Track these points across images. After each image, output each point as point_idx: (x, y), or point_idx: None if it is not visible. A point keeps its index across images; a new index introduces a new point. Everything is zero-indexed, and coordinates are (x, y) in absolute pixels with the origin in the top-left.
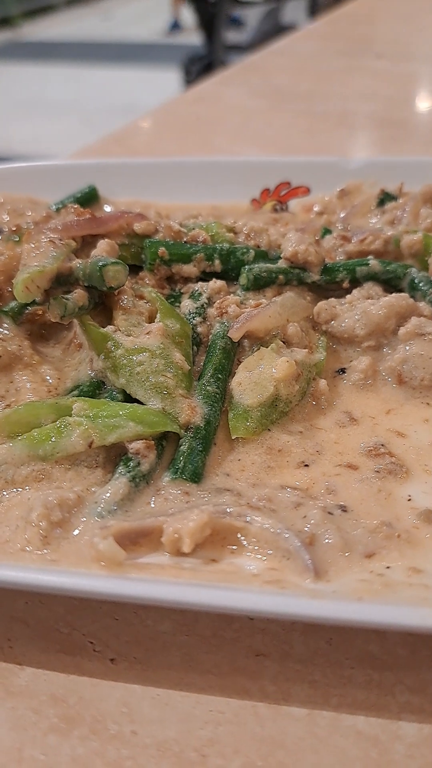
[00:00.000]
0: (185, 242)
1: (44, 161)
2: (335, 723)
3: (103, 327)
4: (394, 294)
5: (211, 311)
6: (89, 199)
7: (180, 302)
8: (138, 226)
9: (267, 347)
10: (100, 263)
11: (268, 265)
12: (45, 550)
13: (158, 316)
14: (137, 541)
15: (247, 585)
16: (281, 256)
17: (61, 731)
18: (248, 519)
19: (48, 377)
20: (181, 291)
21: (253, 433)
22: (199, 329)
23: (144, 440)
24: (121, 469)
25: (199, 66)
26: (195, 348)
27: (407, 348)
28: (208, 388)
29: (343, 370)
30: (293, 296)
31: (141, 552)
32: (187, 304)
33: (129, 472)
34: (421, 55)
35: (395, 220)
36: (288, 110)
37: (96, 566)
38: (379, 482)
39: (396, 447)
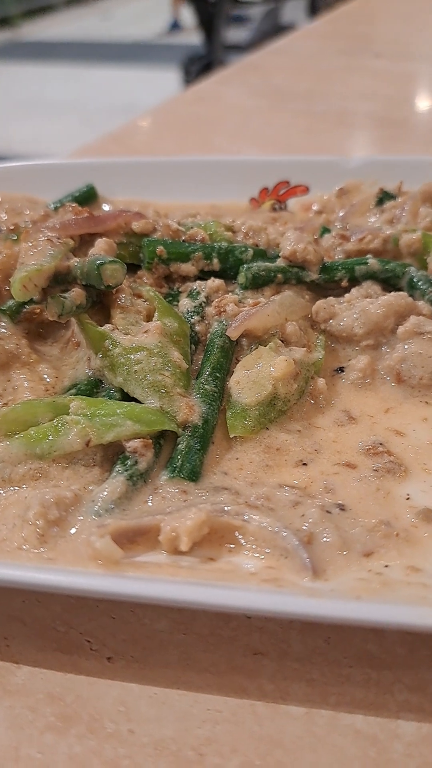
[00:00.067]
0: (183, 241)
1: (43, 160)
2: (333, 722)
3: (101, 326)
4: (392, 293)
5: (210, 310)
6: (87, 198)
7: (178, 301)
8: (136, 225)
9: (265, 346)
10: (98, 262)
11: (267, 263)
12: (42, 549)
13: (156, 314)
14: (134, 539)
15: (244, 583)
16: (280, 254)
17: (58, 730)
18: (246, 517)
19: (45, 376)
20: (180, 290)
21: (251, 431)
22: (198, 328)
23: (142, 439)
24: (118, 467)
25: (199, 66)
26: (193, 347)
27: (406, 347)
28: (206, 386)
29: (341, 369)
30: (292, 295)
31: (138, 551)
32: (185, 303)
33: (126, 470)
34: (420, 55)
35: (394, 219)
36: (287, 110)
37: (93, 565)
38: (377, 481)
39: (395, 446)
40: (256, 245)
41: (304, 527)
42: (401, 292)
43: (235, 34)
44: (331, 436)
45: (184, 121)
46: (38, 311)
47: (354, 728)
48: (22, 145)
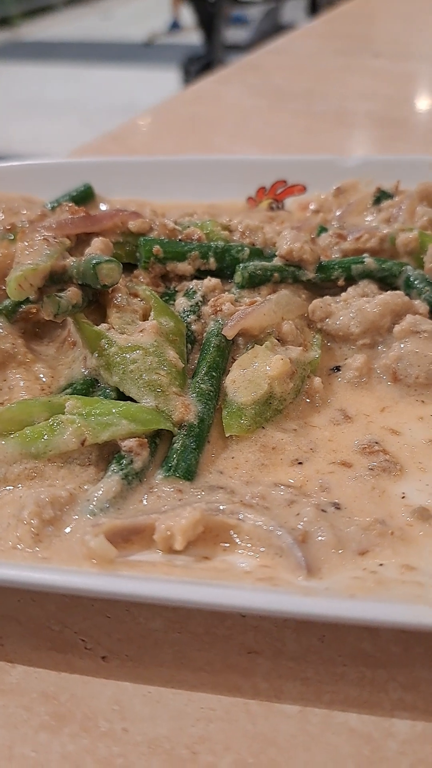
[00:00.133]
0: (180, 240)
1: (41, 160)
2: (327, 720)
3: (97, 325)
4: (389, 292)
5: (206, 309)
6: (84, 197)
7: (174, 300)
8: (133, 224)
9: (261, 345)
10: (94, 261)
11: (263, 263)
12: (37, 548)
13: (152, 313)
14: (129, 538)
15: (239, 582)
16: (276, 254)
17: (52, 729)
18: (241, 516)
19: (41, 375)
20: (176, 289)
21: (247, 430)
22: (194, 327)
23: (137, 438)
24: (113, 466)
25: (198, 66)
26: (189, 346)
27: (402, 346)
28: (202, 385)
29: (337, 368)
30: (288, 294)
31: (133, 549)
32: (181, 302)
33: (122, 470)
34: (419, 55)
35: (391, 218)
36: (287, 109)
37: (87, 564)
38: (373, 480)
39: (390, 444)
40: (253, 244)
41: (299, 526)
42: (398, 291)
43: (234, 34)
44: (326, 434)
45: (183, 120)
46: (34, 311)
47: (348, 726)
48: (21, 145)
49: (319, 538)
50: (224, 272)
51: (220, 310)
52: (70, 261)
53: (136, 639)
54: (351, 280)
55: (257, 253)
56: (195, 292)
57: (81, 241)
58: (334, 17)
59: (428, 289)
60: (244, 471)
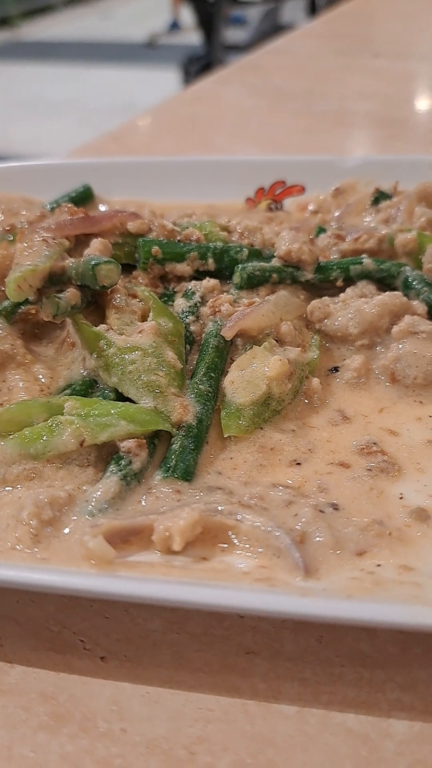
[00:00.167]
0: (179, 241)
1: (40, 160)
2: (325, 721)
3: (96, 326)
4: (387, 292)
5: (205, 310)
6: (84, 198)
7: (173, 301)
8: (131, 225)
9: (260, 346)
10: (93, 262)
11: (262, 263)
12: (35, 549)
13: (151, 314)
14: (128, 539)
15: (237, 583)
16: (275, 254)
17: (51, 729)
18: (239, 517)
19: (40, 376)
20: (175, 290)
21: (245, 431)
22: (192, 328)
23: (136, 439)
24: (112, 467)
25: (198, 66)
26: (188, 347)
27: (400, 346)
28: (200, 386)
29: (336, 369)
30: (286, 295)
31: (132, 550)
32: (180, 303)
33: (120, 470)
34: (420, 55)
35: (390, 218)
36: (287, 109)
37: (86, 564)
38: (371, 480)
39: (388, 445)
40: (252, 245)
41: (297, 527)
42: (396, 292)
43: (234, 34)
44: (325, 435)
45: (183, 120)
46: (33, 312)
47: (346, 727)
48: (21, 145)
49: (317, 538)
50: (223, 273)
51: (219, 311)
52: (69, 262)
53: (134, 639)
54: (349, 281)
55: (256, 254)
56: (194, 293)
57: (80, 242)
58: (333, 17)
59: (426, 290)
60: (243, 472)
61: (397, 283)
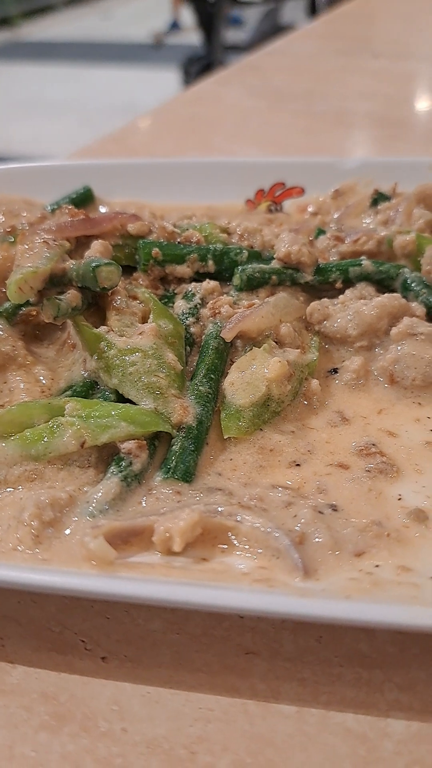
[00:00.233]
0: (179, 243)
1: (41, 162)
2: (324, 720)
3: (97, 327)
4: (386, 294)
5: (204, 312)
6: (84, 199)
7: (173, 303)
8: (132, 227)
9: (259, 347)
10: (94, 264)
11: (262, 265)
12: (36, 550)
13: (151, 316)
14: (128, 540)
15: (237, 584)
16: (275, 256)
17: (52, 729)
18: (239, 518)
19: (41, 377)
20: (175, 291)
21: (245, 432)
22: (192, 329)
23: (136, 440)
24: (113, 468)
25: (198, 66)
26: (188, 348)
27: (399, 348)
28: (200, 388)
29: (335, 370)
30: (286, 297)
31: (132, 551)
32: (180, 305)
33: (121, 471)
34: (419, 55)
35: (388, 220)
36: (287, 110)
37: (87, 565)
38: (369, 481)
39: (387, 446)
40: (251, 247)
41: (296, 528)
42: (395, 294)
43: (234, 35)
44: (324, 437)
45: (183, 121)
46: (34, 313)
47: (344, 727)
48: (21, 146)
49: (316, 539)
50: (223, 275)
51: (219, 313)
52: (70, 264)
53: (135, 640)
54: (349, 283)
55: (255, 256)
56: (194, 295)
57: (80, 243)
58: (333, 18)
59: (425, 292)
60: (243, 473)
61: (396, 285)
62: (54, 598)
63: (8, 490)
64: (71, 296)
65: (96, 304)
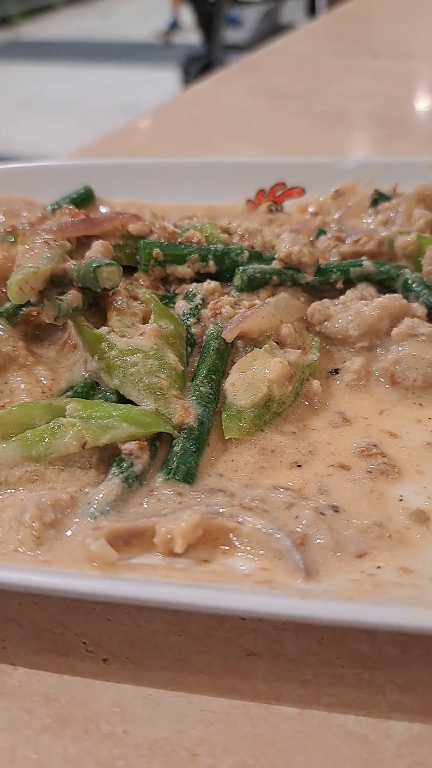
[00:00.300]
0: (180, 243)
1: (41, 162)
2: (326, 722)
3: (98, 328)
4: (387, 295)
5: (205, 312)
6: (85, 199)
7: (174, 303)
8: (132, 227)
9: (260, 348)
10: (95, 264)
11: (262, 266)
12: (38, 551)
13: (152, 317)
14: (130, 541)
15: (238, 585)
16: (275, 257)
17: (54, 731)
18: (240, 519)
19: (42, 378)
20: (176, 292)
21: (246, 433)
22: (193, 330)
23: (137, 441)
24: (114, 469)
25: (198, 66)
26: (189, 349)
27: (400, 349)
28: (201, 388)
29: (336, 371)
30: (287, 297)
31: (133, 553)
32: (181, 305)
33: (122, 472)
34: (419, 55)
35: (389, 220)
36: (286, 110)
37: (88, 567)
38: (371, 482)
39: (388, 447)
40: (252, 247)
41: (297, 529)
42: (396, 294)
43: (234, 35)
44: (325, 437)
45: (183, 121)
46: (35, 313)
47: (346, 729)
48: (21, 145)
49: (318, 540)
50: (223, 275)
51: (220, 313)
52: (71, 264)
53: (136, 642)
54: (349, 283)
55: (256, 256)
56: (195, 295)
57: (81, 243)
58: (333, 17)
59: (426, 292)
60: (244, 474)
61: (396, 286)
62: (55, 600)
63: (9, 491)
64: (72, 297)
65: (97, 305)
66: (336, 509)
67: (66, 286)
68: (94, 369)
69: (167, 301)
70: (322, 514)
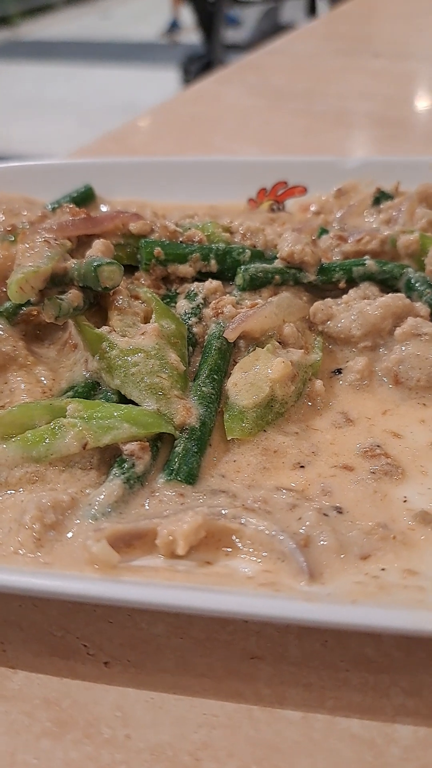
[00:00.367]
0: (181, 242)
1: (41, 161)
2: (330, 726)
3: (99, 327)
4: (390, 294)
5: (207, 312)
6: (85, 198)
7: (176, 302)
8: (133, 226)
9: (263, 348)
10: (95, 263)
11: (264, 265)
12: (38, 553)
13: (153, 316)
14: (131, 543)
15: (241, 588)
16: (277, 256)
17: (55, 735)
18: (243, 521)
19: (43, 378)
20: (177, 291)
21: (248, 434)
22: (195, 330)
23: (138, 441)
24: (115, 470)
25: (198, 65)
26: (190, 349)
27: (403, 348)
28: (203, 388)
29: (339, 371)
30: (289, 296)
31: (135, 554)
32: (182, 305)
33: (123, 473)
34: (419, 55)
35: (391, 219)
36: (286, 109)
37: (89, 569)
38: (374, 483)
39: (392, 448)
40: (254, 246)
41: (301, 530)
42: (399, 294)
43: (234, 34)
44: (328, 438)
45: (183, 120)
46: (35, 313)
47: (351, 732)
48: (21, 145)
49: (321, 542)
50: (225, 274)
51: (222, 313)
52: (71, 263)
53: (138, 645)
54: (352, 283)
55: (258, 255)
56: (196, 295)
57: (82, 242)
58: (333, 17)
59: (429, 292)
60: (246, 474)
61: (399, 285)
62: (56, 603)
63: (9, 492)
64: (72, 296)
65: (98, 304)
66: (339, 510)
67: (66, 285)
68: (95, 369)
69: (168, 300)
70: (325, 515)
